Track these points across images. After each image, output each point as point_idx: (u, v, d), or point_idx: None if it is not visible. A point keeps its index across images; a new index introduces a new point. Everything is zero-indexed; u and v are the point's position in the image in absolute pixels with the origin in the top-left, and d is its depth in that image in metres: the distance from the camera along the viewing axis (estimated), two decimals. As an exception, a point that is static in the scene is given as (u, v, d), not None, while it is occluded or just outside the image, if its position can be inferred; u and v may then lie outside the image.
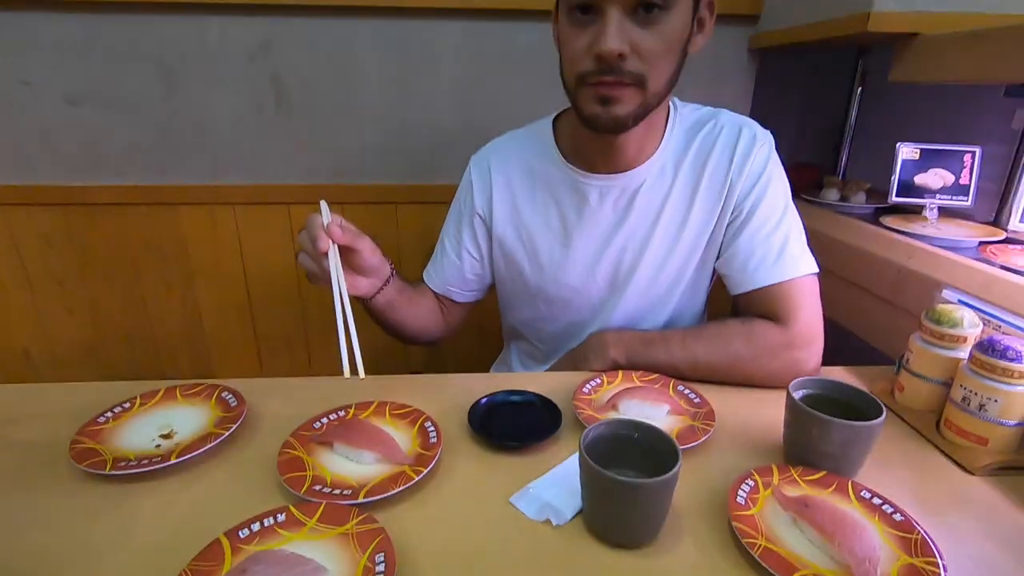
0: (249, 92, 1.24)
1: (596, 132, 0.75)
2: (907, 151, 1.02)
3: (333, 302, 0.68)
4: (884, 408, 0.58)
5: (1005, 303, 0.72)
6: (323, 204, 0.73)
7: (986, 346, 0.63)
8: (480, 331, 1.47)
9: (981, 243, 0.92)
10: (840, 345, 1.04)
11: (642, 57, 0.67)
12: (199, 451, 0.60)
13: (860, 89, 1.38)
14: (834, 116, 1.48)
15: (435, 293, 0.95)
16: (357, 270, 0.76)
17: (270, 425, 0.69)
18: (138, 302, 1.37)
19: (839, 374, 0.83)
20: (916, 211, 1.04)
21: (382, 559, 0.47)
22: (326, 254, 0.70)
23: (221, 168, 1.29)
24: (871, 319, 0.96)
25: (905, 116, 1.32)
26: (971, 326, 0.68)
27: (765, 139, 0.81)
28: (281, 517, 0.51)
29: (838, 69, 1.47)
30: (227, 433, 0.64)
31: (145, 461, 0.59)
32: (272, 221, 1.33)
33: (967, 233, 0.95)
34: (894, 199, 1.04)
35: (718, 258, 0.85)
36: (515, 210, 0.89)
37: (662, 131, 0.82)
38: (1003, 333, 0.69)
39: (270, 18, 1.18)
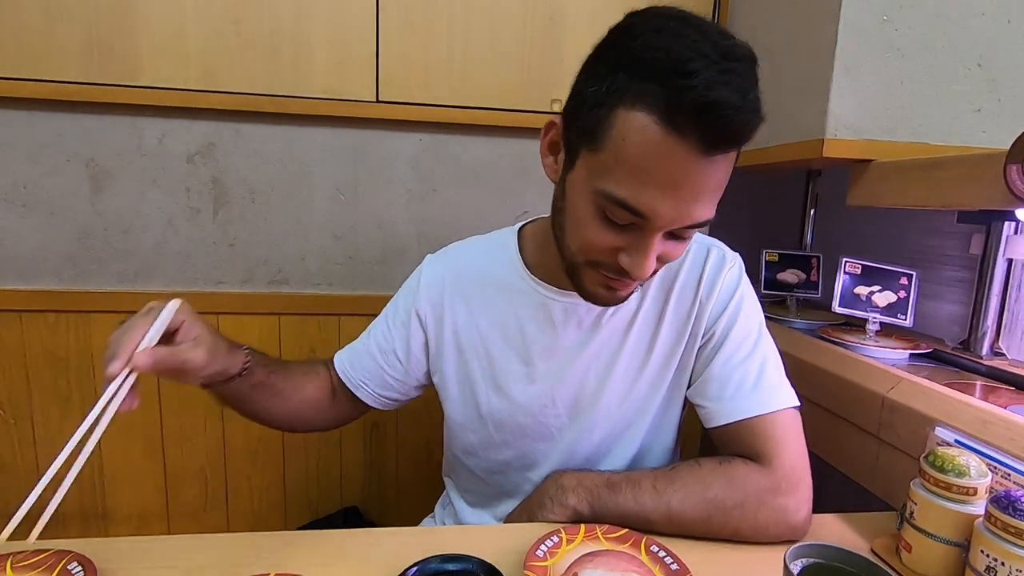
0: (185, 194, 1.16)
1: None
2: (769, 255, 1.27)
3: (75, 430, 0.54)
4: (906, 590, 0.46)
5: (1007, 446, 0.64)
6: (164, 310, 0.59)
7: (1005, 503, 0.53)
8: (429, 457, 1.32)
9: (824, 325, 1.13)
10: (823, 483, 0.94)
11: (663, 262, 0.64)
12: (1, 665, 0.43)
13: (813, 211, 1.41)
14: (790, 234, 1.49)
15: (342, 383, 0.83)
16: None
17: (125, 612, 0.52)
18: (24, 425, 1.17)
19: (832, 524, 0.72)
20: (781, 302, 1.30)
21: None
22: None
23: (145, 274, 1.17)
24: (853, 454, 0.87)
25: (863, 239, 1.33)
26: (979, 475, 0.59)
27: (735, 261, 0.77)
28: None
29: (791, 190, 1.51)
30: (53, 632, 0.47)
31: None
32: (197, 332, 1.19)
33: (817, 318, 1.20)
34: (762, 291, 1.23)
35: (689, 386, 0.77)
36: (471, 321, 0.80)
37: None
38: (1014, 483, 0.61)
39: (215, 122, 1.14)
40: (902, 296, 1.02)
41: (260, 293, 1.21)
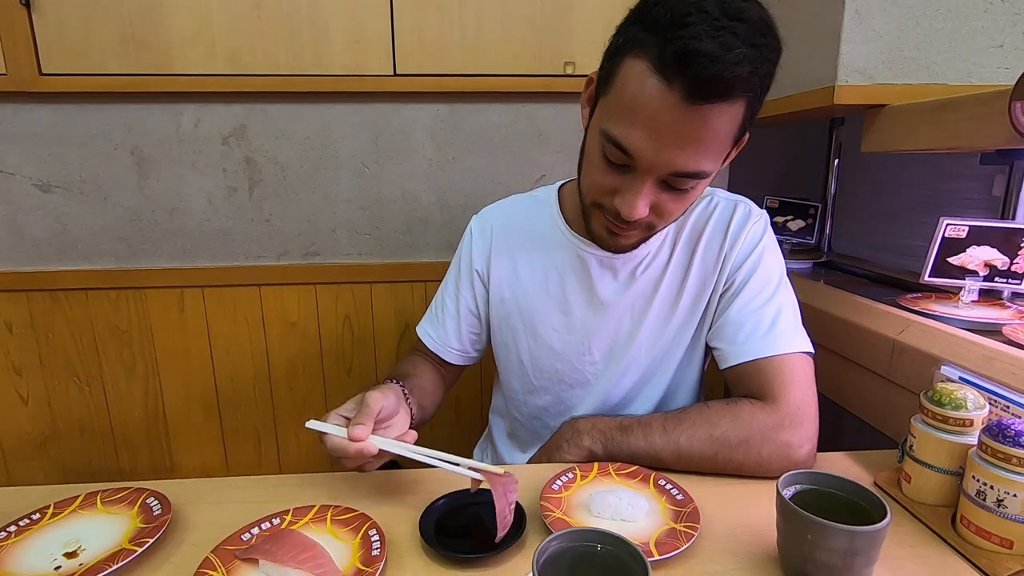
0: (223, 175, 1.23)
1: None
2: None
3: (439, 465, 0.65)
4: (888, 509, 0.50)
5: (1009, 380, 0.66)
6: (317, 424, 0.65)
7: (996, 431, 0.56)
8: (458, 410, 1.39)
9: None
10: (838, 426, 0.97)
11: (660, 215, 0.68)
12: (101, 574, 0.52)
13: (837, 161, 1.39)
14: (813, 187, 1.47)
15: (432, 353, 0.91)
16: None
17: (196, 536, 0.61)
18: (98, 391, 1.30)
19: (838, 461, 0.75)
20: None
21: None
22: (376, 454, 0.63)
23: (191, 251, 1.26)
24: (864, 396, 0.89)
25: (885, 186, 1.31)
26: (976, 408, 0.62)
27: (760, 216, 0.80)
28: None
29: (814, 140, 1.49)
30: (139, 551, 0.55)
31: (35, 588, 0.51)
32: (242, 304, 1.28)
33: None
34: None
35: (709, 330, 0.81)
36: (514, 273, 0.86)
37: None
38: (1012, 415, 0.63)
39: (245, 104, 1.20)
40: (809, 222, 1.35)
41: (296, 265, 1.28)
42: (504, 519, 0.57)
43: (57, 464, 1.33)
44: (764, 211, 0.81)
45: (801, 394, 0.72)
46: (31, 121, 1.17)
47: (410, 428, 0.73)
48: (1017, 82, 0.64)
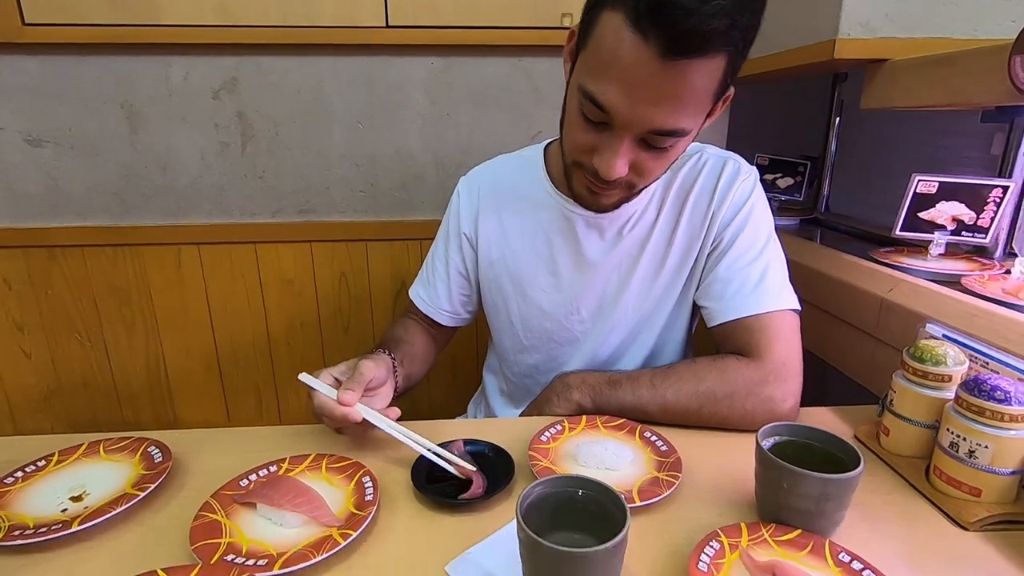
0: (215, 130, 1.22)
1: None
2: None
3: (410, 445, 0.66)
4: (862, 458, 0.52)
5: (991, 337, 0.67)
6: (309, 379, 0.67)
7: (972, 386, 0.57)
8: (454, 367, 1.42)
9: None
10: (825, 382, 0.99)
11: (640, 174, 0.67)
12: (106, 516, 0.55)
13: (838, 119, 1.37)
14: (813, 144, 1.46)
15: (423, 315, 0.92)
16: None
17: (196, 483, 0.63)
18: (99, 348, 1.32)
19: (821, 415, 0.77)
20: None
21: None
22: (359, 422, 0.65)
23: (185, 207, 1.26)
24: (850, 353, 0.91)
25: (884, 143, 1.30)
26: (956, 363, 0.63)
27: (750, 172, 0.79)
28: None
29: (815, 97, 1.46)
30: (142, 495, 0.58)
31: (43, 529, 0.53)
32: (239, 261, 1.29)
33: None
34: None
35: (697, 288, 0.81)
36: (502, 235, 0.86)
37: None
38: (991, 371, 0.64)
39: (236, 57, 1.17)
40: (798, 180, 1.36)
41: (291, 222, 1.28)
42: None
43: (62, 418, 1.36)
44: (754, 168, 0.80)
45: (786, 350, 0.74)
46: (19, 74, 1.15)
47: (395, 396, 0.75)
48: (1018, 36, 0.62)
